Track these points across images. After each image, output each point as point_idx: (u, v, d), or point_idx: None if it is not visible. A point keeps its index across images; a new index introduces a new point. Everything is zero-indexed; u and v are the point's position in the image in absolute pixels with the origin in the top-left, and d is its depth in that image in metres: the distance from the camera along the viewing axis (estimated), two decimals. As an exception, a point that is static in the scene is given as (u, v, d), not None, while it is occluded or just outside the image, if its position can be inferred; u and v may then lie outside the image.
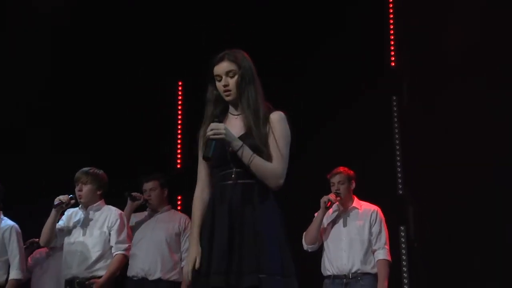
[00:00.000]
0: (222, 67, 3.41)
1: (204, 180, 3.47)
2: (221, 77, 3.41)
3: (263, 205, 3.36)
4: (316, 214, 5.63)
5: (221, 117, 3.49)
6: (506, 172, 6.08)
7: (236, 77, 3.41)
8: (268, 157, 3.38)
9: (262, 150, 3.37)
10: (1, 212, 5.78)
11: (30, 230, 5.89)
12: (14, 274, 5.56)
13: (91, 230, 5.39)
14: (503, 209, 6.10)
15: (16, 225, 5.71)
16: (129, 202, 6.04)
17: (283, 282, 3.28)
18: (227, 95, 3.41)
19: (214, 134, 3.28)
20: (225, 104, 3.49)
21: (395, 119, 6.81)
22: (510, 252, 5.95)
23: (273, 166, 3.37)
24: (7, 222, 5.72)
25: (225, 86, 3.40)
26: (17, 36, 7.51)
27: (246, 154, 3.33)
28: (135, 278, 5.95)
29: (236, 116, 3.47)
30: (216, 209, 3.37)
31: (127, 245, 5.42)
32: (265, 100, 3.45)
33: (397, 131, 6.80)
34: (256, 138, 3.37)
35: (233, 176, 3.38)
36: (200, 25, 7.29)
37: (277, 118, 3.43)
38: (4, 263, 5.63)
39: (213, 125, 3.32)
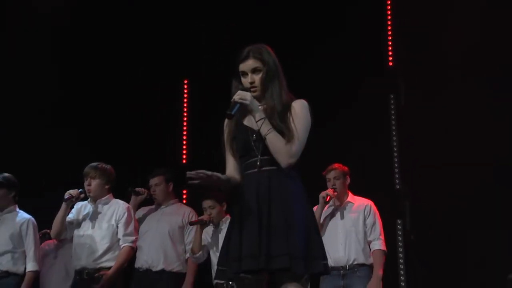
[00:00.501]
0: (248, 65, 3.42)
1: (230, 171, 3.49)
2: (247, 74, 3.43)
3: (289, 190, 3.37)
4: (314, 209, 5.70)
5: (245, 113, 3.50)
6: (500, 169, 6.09)
7: (261, 74, 3.41)
8: (287, 140, 3.36)
9: (282, 133, 3.36)
10: (17, 205, 5.80)
11: (41, 222, 5.89)
12: (31, 266, 5.61)
13: (99, 223, 5.42)
14: (497, 204, 6.09)
15: (32, 218, 5.75)
16: (133, 197, 6.06)
17: (309, 264, 3.28)
18: (254, 91, 3.42)
19: (240, 99, 3.33)
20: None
21: (393, 117, 6.81)
22: (503, 244, 5.94)
23: (287, 144, 3.35)
24: (24, 215, 5.76)
25: (251, 83, 3.41)
26: (27, 34, 7.47)
27: (265, 126, 3.34)
28: (140, 270, 5.95)
29: (260, 107, 3.46)
30: (244, 197, 3.38)
31: (134, 237, 5.44)
32: (289, 93, 3.45)
33: (394, 128, 6.80)
34: (276, 123, 3.36)
35: (258, 164, 3.38)
36: (203, 26, 7.28)
37: (299, 105, 3.42)
38: (21, 255, 5.66)
39: (240, 92, 3.36)
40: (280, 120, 3.38)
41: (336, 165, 5.66)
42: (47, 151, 7.13)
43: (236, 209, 3.43)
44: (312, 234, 3.35)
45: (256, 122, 3.37)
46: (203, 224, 5.81)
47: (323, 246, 3.38)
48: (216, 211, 5.86)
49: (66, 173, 6.10)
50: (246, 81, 3.43)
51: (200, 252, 5.84)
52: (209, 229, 5.94)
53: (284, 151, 3.34)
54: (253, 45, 3.47)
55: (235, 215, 3.45)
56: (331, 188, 5.52)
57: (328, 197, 5.46)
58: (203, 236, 5.87)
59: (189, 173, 3.24)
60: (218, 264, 3.45)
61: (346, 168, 5.65)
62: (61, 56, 7.52)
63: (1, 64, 7.39)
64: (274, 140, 3.34)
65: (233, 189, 3.48)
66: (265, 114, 3.40)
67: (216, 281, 5.67)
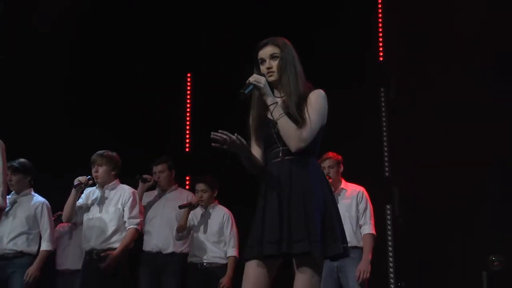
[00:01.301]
0: (266, 51, 3.40)
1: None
2: (265, 60, 3.40)
3: (309, 178, 3.33)
4: None
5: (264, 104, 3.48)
6: (483, 156, 6.12)
7: (278, 59, 3.38)
8: (299, 126, 3.32)
9: (296, 120, 3.31)
10: (32, 189, 5.81)
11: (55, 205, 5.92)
12: (45, 245, 5.61)
13: (107, 207, 5.46)
14: (480, 188, 6.16)
15: (47, 201, 5.77)
16: (140, 183, 6.06)
17: (327, 247, 3.26)
18: (270, 76, 3.39)
19: (254, 81, 3.30)
20: (270, 87, 3.45)
21: (383, 109, 6.80)
22: (485, 227, 6.01)
23: (298, 129, 3.30)
24: (38, 198, 5.77)
25: (268, 68, 3.38)
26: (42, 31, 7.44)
27: (277, 111, 3.31)
28: (151, 253, 5.98)
29: (278, 98, 3.43)
30: (268, 185, 3.36)
31: (139, 220, 5.46)
32: (306, 82, 3.42)
33: (384, 120, 6.79)
34: (292, 111, 3.32)
35: (280, 154, 3.35)
36: (205, 25, 7.23)
37: (315, 94, 3.39)
38: (36, 236, 5.68)
39: (255, 75, 3.35)
40: (296, 107, 3.33)
41: (330, 154, 5.64)
42: (60, 139, 7.13)
43: (261, 196, 3.39)
44: (332, 219, 3.32)
45: (269, 106, 3.33)
46: (191, 207, 5.88)
47: (344, 231, 3.37)
48: (207, 195, 5.92)
49: (76, 160, 6.06)
50: (264, 67, 3.41)
51: (184, 232, 5.92)
52: (198, 212, 5.99)
53: (294, 135, 3.29)
54: (273, 37, 3.45)
55: (260, 202, 3.41)
56: (326, 175, 5.57)
57: None
58: (190, 217, 5.93)
59: (214, 134, 3.22)
60: (248, 244, 3.41)
61: (339, 157, 5.65)
62: (76, 51, 7.50)
63: (20, 62, 7.38)
64: (285, 125, 3.30)
65: (253, 167, 3.42)
66: (283, 103, 3.37)
67: (206, 261, 5.86)
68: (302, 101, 3.34)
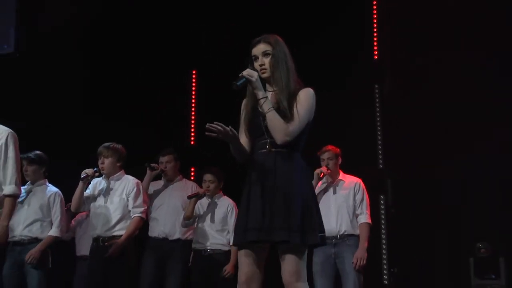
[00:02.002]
0: (259, 48, 3.40)
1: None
2: (258, 57, 3.39)
3: (292, 171, 3.34)
4: None
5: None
6: (470, 148, 6.14)
7: (270, 57, 3.38)
8: (287, 121, 3.32)
9: (285, 115, 3.31)
10: (47, 180, 5.84)
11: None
12: (53, 231, 5.63)
13: (112, 197, 5.49)
14: (466, 181, 6.20)
15: (59, 191, 5.79)
16: (148, 171, 6.07)
17: (305, 237, 3.26)
18: (263, 73, 3.38)
19: (247, 74, 3.29)
20: (262, 83, 3.44)
21: (377, 104, 6.81)
22: (474, 216, 6.04)
23: (285, 123, 3.30)
24: (52, 188, 5.79)
25: (261, 65, 3.38)
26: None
27: (266, 105, 3.31)
28: (157, 239, 5.99)
29: (270, 93, 3.43)
30: (252, 175, 3.37)
31: (143, 208, 5.48)
32: (297, 79, 3.41)
33: (378, 115, 6.80)
34: (282, 106, 3.32)
35: (267, 146, 3.36)
36: (210, 24, 7.24)
37: (304, 92, 3.38)
38: (49, 223, 5.71)
39: (249, 69, 3.34)
40: (285, 103, 3.33)
41: (329, 147, 5.66)
42: (74, 131, 7.17)
43: (247, 185, 3.40)
44: (311, 209, 3.32)
45: (259, 100, 3.33)
46: (199, 197, 5.90)
47: (321, 221, 3.37)
48: (214, 186, 5.94)
49: (86, 152, 6.07)
50: (257, 64, 3.40)
51: (191, 220, 5.93)
52: (204, 202, 6.01)
53: (280, 129, 3.29)
54: (266, 34, 3.45)
55: (245, 191, 3.42)
56: (325, 166, 5.54)
57: (322, 173, 5.48)
58: (196, 206, 5.94)
59: (209, 125, 3.23)
60: (234, 231, 3.47)
61: (338, 150, 5.66)
62: (88, 49, 7.55)
63: (35, 59, 7.46)
64: (273, 118, 3.29)
65: (241, 156, 3.43)
66: (274, 97, 3.37)
67: (209, 247, 5.88)
68: (292, 97, 3.34)
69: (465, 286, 5.79)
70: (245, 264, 3.36)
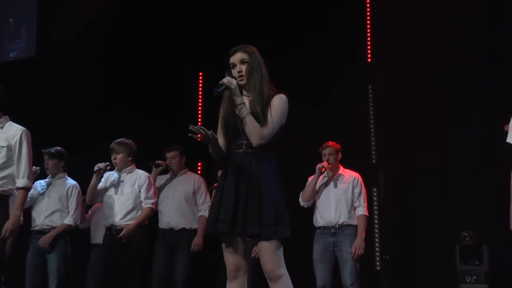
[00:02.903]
0: (237, 57, 3.43)
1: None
2: (236, 65, 3.43)
3: (265, 170, 3.37)
4: (309, 179, 5.70)
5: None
6: (455, 145, 6.22)
7: (247, 64, 3.41)
8: (261, 125, 3.36)
9: (259, 119, 3.35)
10: (66, 173, 5.91)
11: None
12: (68, 220, 5.70)
13: (124, 188, 5.57)
14: (451, 174, 6.25)
15: (77, 184, 5.87)
16: (154, 168, 6.13)
17: (278, 231, 3.30)
18: (241, 80, 3.41)
19: (227, 82, 3.33)
20: (239, 89, 3.45)
21: (370, 104, 6.82)
22: (458, 208, 6.09)
23: (260, 127, 3.34)
24: (71, 181, 5.88)
25: (239, 72, 3.41)
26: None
27: (244, 110, 3.33)
28: (164, 229, 6.05)
29: (246, 98, 3.44)
30: (228, 171, 3.40)
31: (153, 200, 5.59)
32: (271, 86, 3.44)
33: (371, 113, 6.81)
34: (256, 111, 3.36)
35: (243, 146, 3.39)
36: (215, 27, 7.26)
37: (277, 99, 3.42)
38: (68, 214, 5.74)
39: (228, 77, 3.38)
40: (260, 108, 3.36)
41: (330, 143, 5.69)
42: (92, 128, 7.24)
43: (221, 180, 3.43)
44: (281, 207, 3.35)
45: (237, 106, 3.34)
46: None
47: (289, 217, 3.37)
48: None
49: (100, 147, 6.12)
50: (235, 71, 3.42)
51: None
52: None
53: (256, 133, 3.33)
54: (242, 45, 3.49)
55: (220, 184, 3.46)
56: (326, 161, 5.58)
57: (324, 168, 5.53)
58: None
59: (192, 127, 3.28)
60: (207, 220, 3.51)
61: (338, 146, 5.70)
62: (105, 52, 7.60)
63: (54, 61, 7.54)
64: (249, 123, 3.32)
65: (217, 155, 3.46)
66: (249, 103, 3.39)
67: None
68: (266, 102, 3.38)
69: (451, 271, 5.79)
70: (229, 254, 3.41)
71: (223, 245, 3.43)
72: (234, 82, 3.35)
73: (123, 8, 7.65)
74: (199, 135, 3.28)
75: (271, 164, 3.42)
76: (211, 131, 3.30)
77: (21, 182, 4.43)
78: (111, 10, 7.64)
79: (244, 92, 3.46)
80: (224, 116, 3.47)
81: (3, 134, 4.50)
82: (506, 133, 3.98)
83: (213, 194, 3.56)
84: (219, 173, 5.88)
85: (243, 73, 3.42)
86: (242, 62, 3.43)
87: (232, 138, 3.44)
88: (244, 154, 3.38)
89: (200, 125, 3.35)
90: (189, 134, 3.28)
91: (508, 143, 3.93)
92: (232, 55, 3.46)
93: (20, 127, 4.55)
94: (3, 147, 4.45)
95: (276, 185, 3.38)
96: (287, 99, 3.44)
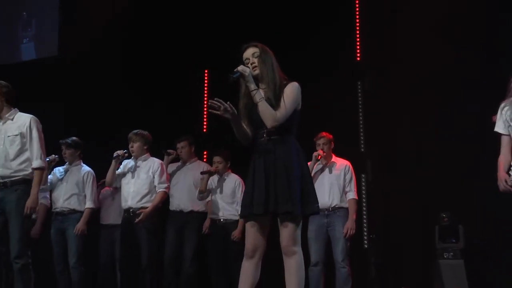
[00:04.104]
0: (249, 52, 3.47)
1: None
2: (249, 58, 3.46)
3: (288, 152, 3.38)
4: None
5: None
6: (436, 133, 6.22)
7: (258, 57, 3.44)
8: (275, 109, 3.35)
9: (273, 105, 3.35)
10: (82, 161, 6.02)
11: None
12: (89, 204, 5.83)
13: (140, 174, 5.66)
14: (433, 161, 6.22)
15: (92, 171, 5.98)
16: (165, 156, 6.17)
17: (306, 207, 3.35)
18: (255, 70, 3.42)
19: (241, 69, 3.36)
20: (255, 82, 3.45)
21: (359, 99, 6.83)
22: (437, 191, 6.09)
23: (274, 111, 3.34)
24: (86, 168, 5.98)
25: (252, 64, 3.44)
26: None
27: (257, 96, 3.34)
28: (175, 211, 6.11)
29: (263, 90, 3.46)
30: (256, 159, 3.43)
31: (166, 184, 5.67)
32: (283, 75, 3.45)
33: (360, 107, 6.82)
34: (271, 97, 3.37)
35: (265, 135, 3.41)
36: (221, 27, 7.25)
37: (290, 86, 3.43)
38: (84, 197, 5.89)
39: (242, 66, 3.40)
40: (272, 95, 3.38)
41: (324, 134, 5.75)
42: (111, 119, 7.32)
43: (251, 167, 3.45)
44: (308, 185, 3.39)
45: (251, 91, 3.35)
46: (210, 174, 6.02)
47: (316, 194, 3.44)
48: (222, 166, 6.04)
49: (118, 137, 6.22)
50: (248, 64, 3.45)
51: (205, 193, 6.03)
52: (215, 178, 6.11)
53: (269, 115, 3.33)
54: (251, 42, 3.52)
55: (250, 172, 3.45)
56: (321, 150, 5.66)
57: (319, 156, 5.60)
58: (209, 182, 6.05)
59: (211, 101, 3.28)
60: (241, 205, 3.54)
61: (331, 136, 5.76)
62: (124, 53, 7.68)
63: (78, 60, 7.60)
64: (263, 107, 3.33)
65: (243, 137, 3.45)
66: (264, 92, 3.40)
67: (222, 217, 5.96)
68: (279, 90, 3.39)
69: (431, 249, 5.82)
70: (251, 234, 3.43)
71: (248, 226, 3.45)
72: (247, 70, 3.37)
73: (139, 11, 7.72)
74: (217, 109, 3.27)
75: (293, 146, 3.42)
76: (228, 102, 3.29)
77: (35, 163, 4.49)
78: (130, 11, 7.72)
79: (260, 84, 3.47)
80: (244, 108, 3.47)
81: (15, 124, 4.58)
82: (493, 124, 4.01)
83: (245, 182, 3.55)
84: (215, 159, 6.02)
85: (256, 64, 3.43)
86: (254, 55, 3.44)
87: (255, 129, 3.46)
88: (267, 141, 3.40)
89: (212, 116, 3.34)
90: (210, 110, 3.27)
91: (496, 132, 3.98)
92: (244, 51, 3.49)
93: (28, 115, 4.63)
94: (16, 135, 4.52)
95: (302, 165, 3.40)
96: (299, 86, 3.46)
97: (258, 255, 3.44)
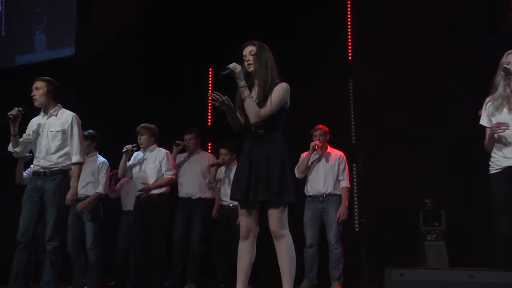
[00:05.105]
0: (247, 49, 3.46)
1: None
2: (246, 55, 3.45)
3: (272, 145, 3.40)
4: (302, 155, 5.82)
5: (250, 88, 3.44)
6: (420, 125, 6.21)
7: (255, 55, 3.43)
8: (261, 107, 3.34)
9: (260, 101, 3.36)
10: (97, 152, 6.09)
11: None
12: (99, 189, 5.91)
13: (148, 164, 5.75)
14: (417, 151, 6.22)
15: (106, 161, 6.04)
16: (174, 147, 6.26)
17: (283, 196, 3.34)
18: (249, 67, 3.43)
19: (232, 66, 3.34)
20: (253, 78, 3.47)
21: (351, 95, 6.86)
22: (422, 179, 6.12)
23: (258, 107, 3.34)
24: (101, 158, 6.06)
25: (247, 61, 3.44)
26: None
27: (245, 93, 3.34)
28: (184, 198, 6.19)
29: (256, 86, 3.47)
30: (245, 148, 3.47)
31: (173, 171, 5.75)
32: (277, 76, 3.42)
33: (352, 102, 6.86)
34: (261, 95, 3.37)
35: (253, 128, 3.44)
36: (223, 27, 7.27)
37: (278, 86, 3.41)
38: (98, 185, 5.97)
39: (234, 63, 3.37)
40: (263, 93, 3.37)
41: (320, 126, 5.81)
42: (123, 115, 7.35)
43: (241, 156, 3.50)
44: (287, 176, 3.37)
45: (239, 88, 3.34)
46: (218, 166, 6.08)
47: (293, 184, 3.40)
48: (228, 157, 6.11)
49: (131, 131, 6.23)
50: (245, 61, 3.44)
51: (214, 183, 6.11)
52: (222, 169, 6.17)
53: (253, 112, 3.33)
54: (252, 40, 3.52)
55: (239, 161, 3.53)
56: (318, 141, 5.73)
57: (316, 146, 5.66)
58: (218, 172, 6.12)
59: (210, 94, 3.29)
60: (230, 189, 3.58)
61: (327, 128, 5.82)
62: (136, 53, 7.71)
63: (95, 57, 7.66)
64: (249, 104, 3.33)
65: (235, 124, 3.45)
66: (256, 89, 3.41)
67: (231, 204, 5.99)
68: (269, 88, 3.37)
69: (416, 231, 5.86)
70: (244, 218, 3.47)
71: (241, 211, 3.48)
72: (238, 67, 3.35)
73: (150, 13, 7.74)
74: (217, 101, 3.28)
75: (278, 141, 3.43)
76: (226, 96, 3.30)
77: (74, 158, 4.58)
78: (141, 14, 7.76)
79: (254, 81, 3.48)
80: (240, 101, 3.45)
81: (58, 120, 4.66)
82: (478, 117, 4.08)
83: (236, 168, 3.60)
84: (221, 151, 6.06)
85: (251, 62, 3.42)
86: (251, 53, 3.44)
87: (246, 120, 3.45)
88: (255, 133, 3.42)
89: (215, 110, 3.45)
90: (209, 101, 3.29)
91: (481, 125, 4.05)
92: (244, 48, 3.49)
93: (71, 113, 4.70)
94: (59, 131, 4.60)
95: (282, 158, 3.39)
96: (288, 86, 3.44)
97: (252, 235, 3.46)
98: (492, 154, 3.96)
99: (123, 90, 7.61)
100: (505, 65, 3.87)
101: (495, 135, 3.96)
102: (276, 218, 3.36)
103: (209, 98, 3.28)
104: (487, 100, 4.07)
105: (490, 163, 3.97)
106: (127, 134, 6.20)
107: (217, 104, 3.31)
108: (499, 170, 3.87)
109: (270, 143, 3.40)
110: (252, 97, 3.37)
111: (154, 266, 5.65)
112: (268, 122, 3.39)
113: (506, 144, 3.89)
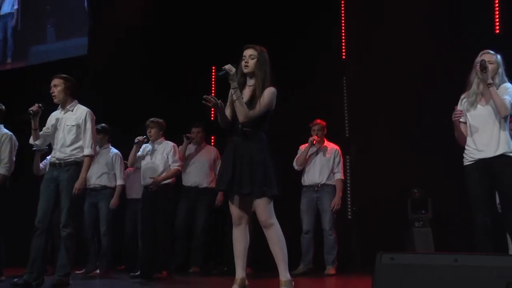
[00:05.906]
0: (248, 52, 3.44)
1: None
2: (246, 57, 3.44)
3: (256, 143, 3.41)
4: (301, 147, 5.87)
5: (241, 86, 3.44)
6: (409, 119, 6.24)
7: (254, 60, 3.42)
8: (251, 108, 3.36)
9: (251, 103, 3.39)
10: (110, 144, 6.13)
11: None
12: (119, 181, 6.10)
13: (156, 155, 5.76)
14: (406, 144, 6.25)
15: (119, 152, 6.11)
16: (185, 140, 6.31)
17: (266, 190, 3.35)
18: (245, 68, 3.42)
19: (228, 68, 3.35)
20: (245, 77, 3.47)
21: (345, 91, 6.89)
22: (410, 169, 6.11)
23: (247, 109, 3.35)
24: (114, 150, 6.11)
25: (246, 63, 3.42)
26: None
27: (236, 94, 3.34)
28: (190, 187, 6.24)
29: (248, 87, 3.48)
30: (231, 144, 3.47)
31: (179, 163, 5.75)
32: (270, 82, 3.41)
33: (345, 98, 6.88)
34: (253, 97, 3.38)
35: (239, 126, 3.44)
36: (226, 27, 7.27)
37: (267, 90, 3.41)
38: (113, 176, 6.06)
39: (229, 65, 3.37)
40: (255, 96, 3.39)
41: (318, 121, 5.85)
42: (133, 109, 7.36)
43: (226, 150, 3.51)
44: (270, 172, 3.36)
45: (231, 89, 3.35)
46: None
47: (276, 178, 3.38)
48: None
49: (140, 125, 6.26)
50: (243, 62, 3.42)
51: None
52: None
53: (242, 112, 3.35)
54: (255, 44, 3.48)
55: (224, 154, 3.53)
56: (315, 135, 5.78)
57: (314, 140, 5.72)
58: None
59: (205, 96, 3.30)
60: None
61: (324, 123, 5.87)
62: (146, 52, 7.69)
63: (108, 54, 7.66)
64: (239, 105, 3.34)
65: (224, 123, 3.46)
66: (251, 91, 3.40)
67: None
68: (260, 93, 3.38)
69: (404, 218, 5.89)
70: (234, 207, 3.48)
71: (230, 201, 3.50)
72: (233, 69, 3.33)
73: (157, 13, 7.74)
74: (210, 103, 3.32)
75: (262, 140, 3.44)
76: (219, 100, 3.35)
77: (86, 151, 4.61)
78: (150, 12, 7.73)
79: (248, 81, 3.47)
80: (229, 102, 3.49)
81: (74, 115, 4.69)
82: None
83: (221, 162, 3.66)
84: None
85: (249, 64, 3.41)
86: (251, 57, 3.42)
87: (235, 118, 3.46)
88: (241, 131, 3.42)
89: (212, 97, 3.39)
90: (203, 102, 3.30)
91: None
92: (245, 49, 3.46)
93: (85, 108, 4.73)
94: (73, 125, 4.63)
95: (265, 155, 3.40)
96: (275, 91, 3.43)
97: (244, 222, 3.47)
98: (466, 147, 3.95)
99: (131, 87, 7.64)
100: (482, 59, 3.87)
101: (466, 127, 3.98)
102: (262, 209, 3.36)
103: (205, 99, 3.30)
104: (462, 96, 4.10)
105: (464, 155, 3.98)
106: (133, 129, 6.26)
107: (210, 105, 3.34)
108: (471, 162, 3.88)
109: (255, 142, 3.41)
110: (242, 98, 3.37)
111: (161, 251, 5.71)
112: (253, 122, 3.40)
113: (478, 137, 3.90)
